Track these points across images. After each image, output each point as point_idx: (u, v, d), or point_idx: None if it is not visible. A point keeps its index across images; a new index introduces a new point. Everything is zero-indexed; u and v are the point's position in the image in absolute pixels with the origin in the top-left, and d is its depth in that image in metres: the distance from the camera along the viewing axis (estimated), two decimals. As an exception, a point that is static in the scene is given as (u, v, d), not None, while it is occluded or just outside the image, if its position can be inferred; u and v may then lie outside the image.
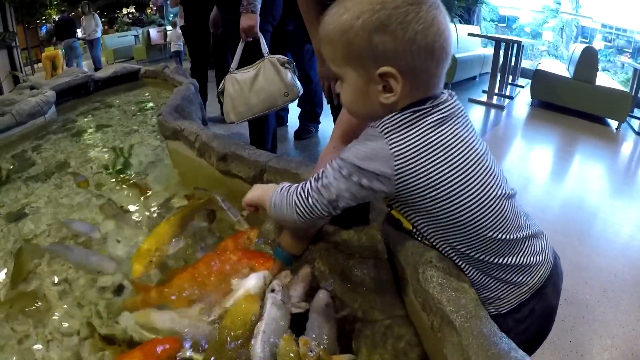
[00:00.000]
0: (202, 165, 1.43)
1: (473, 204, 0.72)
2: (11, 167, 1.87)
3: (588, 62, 5.03)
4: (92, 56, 9.63)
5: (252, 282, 0.95)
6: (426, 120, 0.72)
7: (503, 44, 5.45)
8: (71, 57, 8.89)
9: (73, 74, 3.17)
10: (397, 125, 0.72)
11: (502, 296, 0.80)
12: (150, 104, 2.71)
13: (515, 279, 0.79)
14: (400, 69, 0.69)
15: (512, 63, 5.88)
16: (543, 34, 10.95)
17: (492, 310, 0.81)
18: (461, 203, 0.72)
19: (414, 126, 0.72)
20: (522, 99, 5.83)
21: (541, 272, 0.81)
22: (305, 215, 0.79)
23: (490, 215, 0.73)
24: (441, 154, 0.71)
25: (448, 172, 0.71)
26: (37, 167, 1.84)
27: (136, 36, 11.87)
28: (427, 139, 0.71)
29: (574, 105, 5.13)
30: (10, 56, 7.43)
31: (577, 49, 5.63)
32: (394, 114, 0.73)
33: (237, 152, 1.27)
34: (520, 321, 0.83)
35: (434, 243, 0.81)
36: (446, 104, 0.74)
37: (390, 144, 0.71)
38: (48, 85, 2.84)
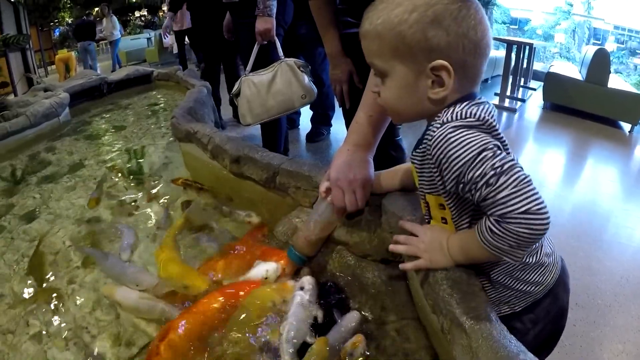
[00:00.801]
0: (215, 168, 1.44)
1: None
2: (25, 168, 1.89)
3: (600, 64, 4.99)
4: (112, 57, 9.81)
5: (261, 269, 1.00)
6: (482, 103, 0.73)
7: (515, 47, 5.43)
8: (87, 59, 9.03)
9: (86, 76, 3.21)
10: (464, 105, 0.71)
11: (520, 295, 0.81)
12: (163, 107, 2.73)
13: (532, 278, 0.80)
14: (452, 62, 0.70)
15: (524, 65, 5.85)
16: (555, 35, 10.87)
17: (507, 310, 0.83)
18: None
19: (475, 110, 0.71)
20: (534, 101, 5.80)
21: (553, 272, 0.83)
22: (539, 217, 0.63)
23: None
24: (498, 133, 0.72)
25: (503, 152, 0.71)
26: (51, 168, 1.87)
27: (148, 39, 11.99)
28: (487, 117, 0.70)
29: (586, 108, 5.09)
30: (24, 58, 7.52)
31: (589, 51, 5.58)
32: (455, 106, 0.71)
33: (250, 154, 1.28)
34: (535, 322, 0.84)
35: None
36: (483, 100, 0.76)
37: (471, 114, 0.69)
38: (62, 87, 2.88)
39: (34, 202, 1.58)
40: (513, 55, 5.44)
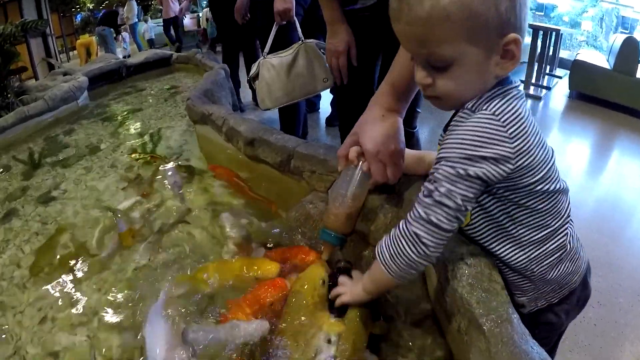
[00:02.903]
0: (230, 150, 1.42)
1: (553, 190, 0.72)
2: (43, 150, 1.91)
3: (629, 53, 4.81)
4: (135, 41, 9.99)
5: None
6: (520, 96, 0.70)
7: (541, 33, 5.27)
8: (105, 44, 9.17)
9: (106, 60, 3.22)
10: (503, 102, 0.67)
11: (558, 288, 0.79)
12: (181, 89, 2.72)
13: (571, 268, 0.78)
14: (520, 33, 0.66)
15: (550, 52, 5.68)
16: (582, 23, 10.56)
17: (544, 303, 0.80)
18: (545, 189, 0.71)
19: (515, 102, 0.67)
20: (560, 90, 5.62)
21: (584, 258, 0.81)
22: (434, 241, 0.67)
23: (559, 201, 0.74)
24: (535, 130, 0.68)
25: (541, 152, 0.69)
26: (69, 151, 1.88)
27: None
28: (525, 115, 0.67)
29: (613, 98, 4.92)
30: (45, 44, 7.64)
31: (618, 39, 5.39)
32: (494, 90, 0.69)
33: (265, 137, 1.25)
34: (568, 312, 0.82)
35: (496, 242, 0.77)
36: None
37: (504, 124, 0.65)
38: (81, 71, 2.90)
39: (49, 184, 1.59)
40: (539, 42, 5.28)
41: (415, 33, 0.66)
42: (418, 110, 1.60)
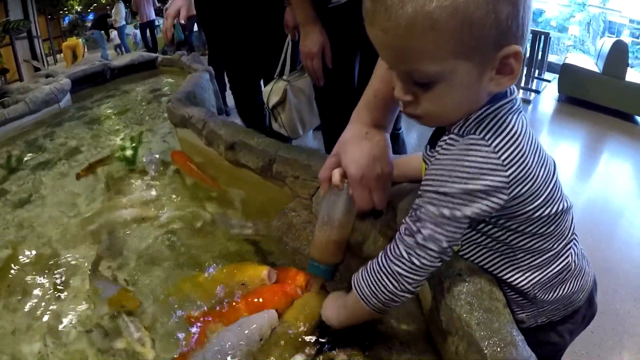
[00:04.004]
0: (212, 155, 1.36)
1: (555, 212, 0.65)
2: (22, 153, 1.85)
3: (618, 56, 4.83)
4: (122, 44, 10.01)
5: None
6: (516, 110, 0.61)
7: (530, 36, 5.28)
8: (95, 46, 9.21)
9: (90, 62, 3.16)
10: (494, 123, 0.59)
11: (561, 307, 0.73)
12: (166, 92, 2.67)
13: (575, 287, 0.72)
14: (520, 44, 0.55)
15: (539, 57, 5.70)
16: (569, 28, 10.65)
17: (544, 320, 0.74)
18: (546, 213, 0.64)
19: (509, 120, 0.59)
20: (549, 93, 5.64)
21: (590, 275, 0.75)
22: (416, 278, 0.62)
23: (562, 221, 0.68)
24: (534, 147, 0.61)
25: (541, 172, 0.62)
26: (47, 154, 1.82)
27: (158, 26, 11.96)
28: (522, 132, 0.60)
29: (602, 102, 4.94)
30: (31, 46, 7.54)
31: (607, 43, 5.41)
32: (484, 109, 0.59)
33: (246, 140, 1.19)
34: (572, 332, 0.77)
35: (492, 265, 0.71)
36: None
37: (496, 150, 0.57)
38: (64, 73, 2.84)
39: (27, 187, 1.53)
40: (528, 45, 5.29)
41: (392, 43, 0.55)
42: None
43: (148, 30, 8.89)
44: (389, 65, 0.61)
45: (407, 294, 0.64)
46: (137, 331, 0.83)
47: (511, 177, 0.57)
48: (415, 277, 0.62)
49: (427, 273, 0.62)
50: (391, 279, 0.63)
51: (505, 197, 0.58)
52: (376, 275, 0.65)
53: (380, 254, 0.66)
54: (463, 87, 0.57)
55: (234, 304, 0.84)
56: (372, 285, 0.65)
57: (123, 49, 10.10)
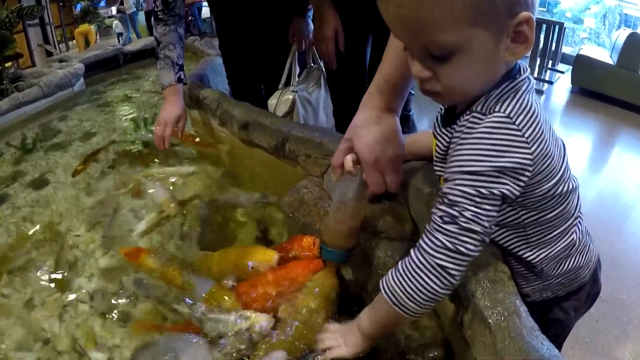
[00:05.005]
0: (225, 135, 1.38)
1: (566, 191, 0.66)
2: (37, 136, 1.88)
3: (633, 49, 4.76)
4: (134, 30, 9.97)
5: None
6: (531, 89, 0.62)
7: (544, 26, 5.23)
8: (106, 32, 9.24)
9: (103, 48, 3.19)
10: (516, 101, 0.59)
11: (566, 282, 0.73)
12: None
13: (580, 262, 0.73)
14: (532, 11, 0.56)
15: (553, 47, 5.64)
16: (585, 20, 10.50)
17: (549, 295, 0.74)
18: (559, 192, 0.65)
19: (527, 95, 0.60)
20: (562, 84, 5.58)
21: (594, 251, 0.75)
22: (461, 270, 0.59)
23: (571, 200, 0.69)
24: (548, 126, 0.62)
25: (556, 151, 0.63)
26: (62, 136, 1.85)
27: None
28: (539, 111, 0.60)
29: (616, 94, 4.88)
30: (43, 33, 7.58)
31: (622, 35, 5.34)
32: (503, 86, 0.60)
33: (259, 120, 1.20)
34: (577, 309, 0.77)
35: (501, 236, 0.71)
36: None
37: (520, 127, 0.57)
38: (77, 58, 2.87)
39: (41, 169, 1.56)
40: (542, 36, 5.23)
41: (408, 17, 0.55)
42: (412, 92, 1.54)
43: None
44: (405, 45, 0.61)
45: (449, 290, 0.60)
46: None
47: (535, 154, 0.58)
48: (460, 268, 0.59)
49: (469, 262, 0.59)
50: (434, 274, 0.59)
51: (529, 175, 0.58)
52: (413, 275, 0.60)
53: (413, 252, 0.62)
54: (481, 57, 0.57)
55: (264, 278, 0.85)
56: (409, 288, 0.61)
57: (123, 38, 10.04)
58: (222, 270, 0.91)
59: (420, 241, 0.61)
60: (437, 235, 0.59)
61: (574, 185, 0.68)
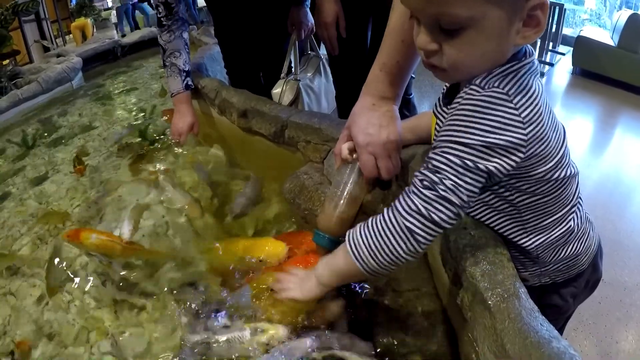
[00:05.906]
0: (224, 124, 1.38)
1: (563, 177, 0.65)
2: (37, 131, 1.89)
3: (634, 30, 4.71)
4: (128, 22, 9.92)
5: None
6: (535, 71, 0.61)
7: (543, 8, 5.17)
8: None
9: (100, 41, 3.18)
10: (517, 80, 0.58)
11: (564, 268, 0.73)
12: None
13: (578, 248, 0.72)
14: None
15: (553, 29, 5.59)
16: (585, 1, 10.41)
17: (547, 280, 0.74)
18: (555, 176, 0.64)
19: (529, 80, 0.59)
20: (563, 66, 5.53)
21: (594, 238, 0.75)
22: (428, 238, 0.59)
23: (569, 185, 0.68)
24: (548, 110, 0.61)
25: (554, 135, 0.62)
26: (62, 131, 1.86)
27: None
28: (540, 94, 0.59)
29: (617, 76, 4.84)
30: (40, 28, 7.55)
31: (623, 16, 5.28)
32: (508, 65, 0.59)
33: (258, 107, 1.21)
34: (575, 296, 0.77)
35: (497, 223, 0.71)
36: None
37: (518, 107, 0.57)
38: (75, 52, 2.87)
39: (42, 164, 1.57)
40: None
41: None
42: (412, 76, 1.53)
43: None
44: (413, 13, 0.59)
45: (412, 257, 0.60)
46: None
47: (529, 136, 0.57)
48: (428, 237, 0.58)
49: (439, 233, 0.59)
50: (400, 236, 0.59)
51: (522, 156, 0.58)
52: (380, 233, 0.61)
53: (386, 210, 0.62)
54: (491, 36, 0.56)
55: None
56: (373, 245, 0.61)
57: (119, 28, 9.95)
58: (226, 263, 0.90)
59: (396, 201, 0.61)
60: (413, 198, 0.59)
61: (573, 172, 0.67)
